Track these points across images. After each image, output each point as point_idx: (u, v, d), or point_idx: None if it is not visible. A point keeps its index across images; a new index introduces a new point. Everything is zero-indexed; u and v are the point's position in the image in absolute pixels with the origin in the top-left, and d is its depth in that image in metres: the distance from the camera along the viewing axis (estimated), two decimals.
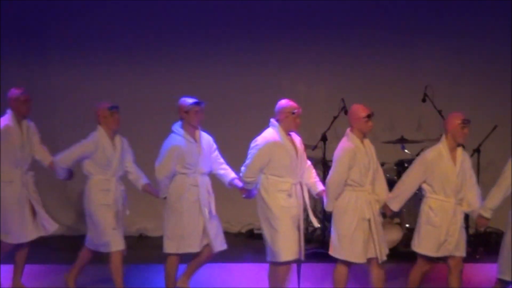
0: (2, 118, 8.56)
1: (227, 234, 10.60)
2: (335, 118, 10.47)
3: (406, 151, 10.36)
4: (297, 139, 8.06)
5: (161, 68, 11.30)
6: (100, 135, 8.29)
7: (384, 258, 7.97)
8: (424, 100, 10.49)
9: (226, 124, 10.56)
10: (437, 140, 10.15)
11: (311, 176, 8.13)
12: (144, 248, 9.20)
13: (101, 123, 8.33)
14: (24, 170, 8.58)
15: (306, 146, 10.05)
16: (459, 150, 8.00)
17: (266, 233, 7.98)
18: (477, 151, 9.92)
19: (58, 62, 11.35)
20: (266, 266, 8.26)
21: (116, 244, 8.28)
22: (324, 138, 10.37)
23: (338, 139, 10.57)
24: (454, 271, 8.09)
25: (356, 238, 7.90)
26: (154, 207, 11.05)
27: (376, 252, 7.92)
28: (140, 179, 8.52)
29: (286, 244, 7.86)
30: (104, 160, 8.28)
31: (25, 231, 8.56)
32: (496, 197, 7.82)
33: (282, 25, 11.23)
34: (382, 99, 10.78)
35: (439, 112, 10.29)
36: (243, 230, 11.18)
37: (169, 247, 8.23)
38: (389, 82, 11.19)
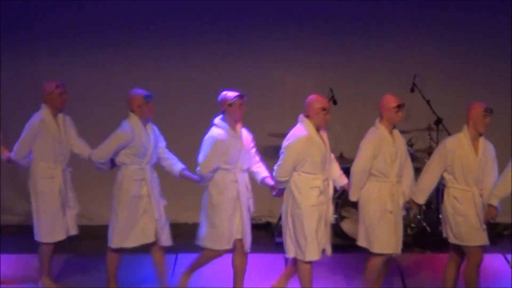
0: (36, 114, 8.44)
1: None
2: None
3: None
4: (324, 134, 8.03)
5: (148, 61, 11.25)
6: (133, 123, 8.19)
7: (399, 252, 7.99)
8: (412, 90, 10.49)
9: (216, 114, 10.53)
10: (425, 130, 10.32)
11: (337, 169, 8.14)
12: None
13: (134, 111, 8.22)
14: (64, 165, 8.49)
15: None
16: (481, 140, 7.95)
17: (289, 230, 7.93)
18: None
19: (45, 54, 11.27)
20: (258, 256, 8.40)
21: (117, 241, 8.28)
22: None
23: (327, 128, 10.71)
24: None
25: (381, 229, 7.89)
26: None
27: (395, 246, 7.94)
28: (175, 165, 8.43)
29: (311, 244, 7.83)
30: (140, 149, 8.18)
31: (61, 229, 8.46)
32: (504, 186, 7.80)
33: (271, 17, 11.22)
34: (370, 89, 10.80)
35: (427, 102, 10.37)
36: None
37: (207, 243, 8.15)
38: (378, 72, 11.16)
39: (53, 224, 8.43)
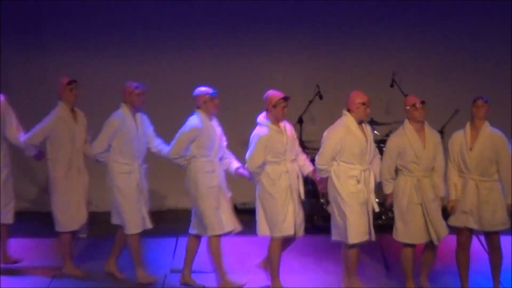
0: (116, 112, 8.54)
1: None
2: (310, 102, 10.89)
3: (375, 132, 10.56)
4: (367, 128, 8.22)
5: (151, 58, 11.50)
6: (202, 118, 8.33)
7: (440, 239, 8.10)
8: (392, 86, 10.88)
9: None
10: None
11: (377, 165, 8.26)
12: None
13: (200, 107, 8.37)
14: (140, 162, 8.59)
15: None
16: (483, 128, 8.02)
17: (337, 216, 8.19)
18: (440, 132, 9.69)
19: (55, 50, 11.50)
20: (250, 238, 8.77)
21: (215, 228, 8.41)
22: (300, 121, 10.77)
23: (313, 121, 10.74)
24: (490, 248, 8.24)
25: (409, 221, 8.07)
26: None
27: (431, 235, 8.09)
28: (232, 163, 8.53)
29: (355, 227, 8.05)
30: (208, 141, 8.31)
31: (140, 221, 8.57)
32: None
33: (262, 19, 11.55)
34: (353, 85, 10.14)
35: (406, 96, 10.23)
36: None
37: (264, 230, 8.29)
38: (360, 70, 11.54)
39: (134, 216, 8.54)
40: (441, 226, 8.13)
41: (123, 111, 8.54)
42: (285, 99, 8.20)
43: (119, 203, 8.56)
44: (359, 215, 8.09)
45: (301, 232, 8.38)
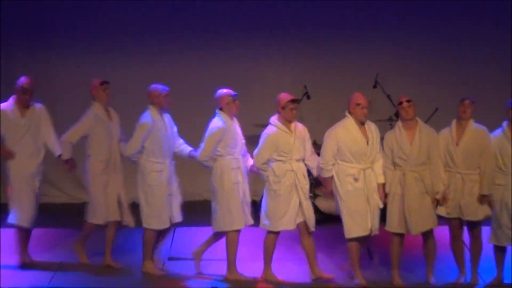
0: (145, 114, 8.71)
1: (207, 202, 11.00)
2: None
3: None
4: (371, 128, 8.39)
5: (143, 63, 11.77)
6: (225, 118, 8.56)
7: (416, 233, 8.29)
8: (375, 86, 11.24)
9: (200, 111, 9.98)
10: (386, 120, 10.91)
11: (378, 167, 8.45)
12: (137, 214, 9.19)
13: (223, 109, 8.59)
14: (170, 159, 8.82)
15: None
16: (468, 125, 8.28)
17: (339, 210, 8.46)
18: None
19: (60, 53, 11.78)
20: (247, 229, 8.82)
21: (237, 223, 8.65)
22: None
23: (301, 120, 10.55)
24: (471, 237, 8.47)
25: (391, 210, 8.38)
26: None
27: (407, 227, 8.32)
28: (249, 160, 8.76)
29: (349, 224, 8.32)
30: (232, 140, 8.57)
31: (167, 218, 8.80)
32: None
33: (254, 21, 11.95)
34: (339, 85, 11.64)
35: (388, 96, 11.15)
36: None
37: (266, 224, 8.54)
38: (345, 71, 11.92)
39: (161, 213, 8.75)
40: (429, 218, 8.32)
41: (152, 113, 8.76)
42: (293, 101, 8.44)
43: (146, 199, 8.78)
44: (354, 212, 8.32)
45: (312, 227, 8.58)
